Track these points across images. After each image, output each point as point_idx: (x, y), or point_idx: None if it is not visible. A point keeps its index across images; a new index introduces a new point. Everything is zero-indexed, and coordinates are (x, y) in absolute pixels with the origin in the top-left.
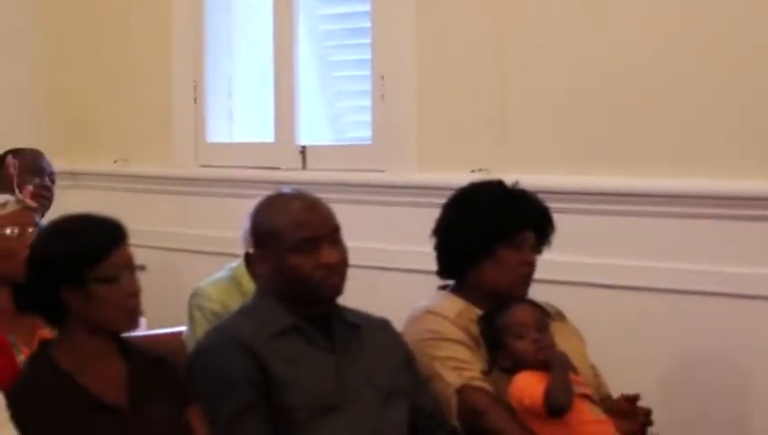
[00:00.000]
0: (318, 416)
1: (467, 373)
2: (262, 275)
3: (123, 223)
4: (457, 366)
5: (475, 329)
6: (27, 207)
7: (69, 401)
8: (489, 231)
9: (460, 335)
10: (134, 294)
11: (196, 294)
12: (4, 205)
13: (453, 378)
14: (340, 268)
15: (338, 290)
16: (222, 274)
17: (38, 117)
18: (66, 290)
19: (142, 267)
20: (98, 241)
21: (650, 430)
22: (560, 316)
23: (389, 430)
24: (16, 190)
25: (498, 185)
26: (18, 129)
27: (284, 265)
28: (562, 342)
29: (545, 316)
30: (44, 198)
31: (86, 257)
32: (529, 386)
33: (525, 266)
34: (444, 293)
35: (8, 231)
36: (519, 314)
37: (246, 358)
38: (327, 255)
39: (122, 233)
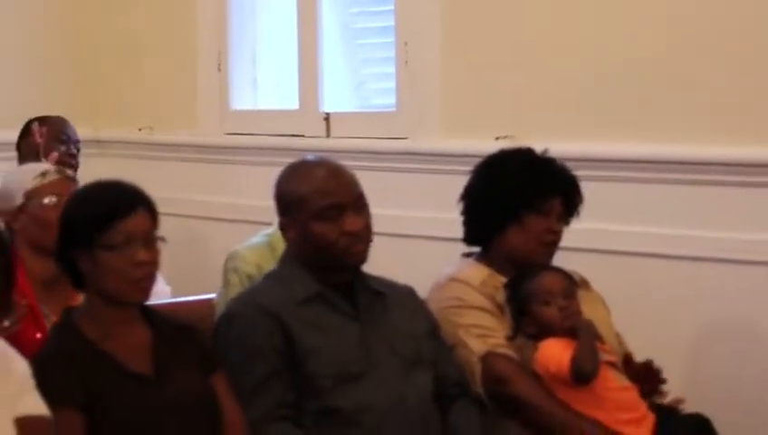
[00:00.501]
0: (342, 384)
1: (491, 340)
2: (288, 241)
3: (144, 192)
4: (482, 334)
5: (499, 296)
6: (67, 178)
7: (94, 368)
8: (515, 196)
9: (484, 303)
10: (140, 264)
11: (232, 257)
12: (44, 174)
13: (477, 345)
14: (364, 236)
15: (362, 258)
16: (258, 238)
17: (63, 85)
18: (77, 254)
19: (161, 239)
20: (107, 207)
21: (662, 387)
22: (584, 284)
23: (414, 397)
24: (42, 158)
25: (527, 152)
26: (43, 97)
27: (309, 233)
28: (587, 309)
29: (572, 283)
30: (70, 166)
31: (94, 222)
32: (555, 353)
33: (550, 234)
34: (468, 260)
35: (46, 200)
36: (546, 280)
37: (271, 326)
38: (351, 222)
39: (134, 202)
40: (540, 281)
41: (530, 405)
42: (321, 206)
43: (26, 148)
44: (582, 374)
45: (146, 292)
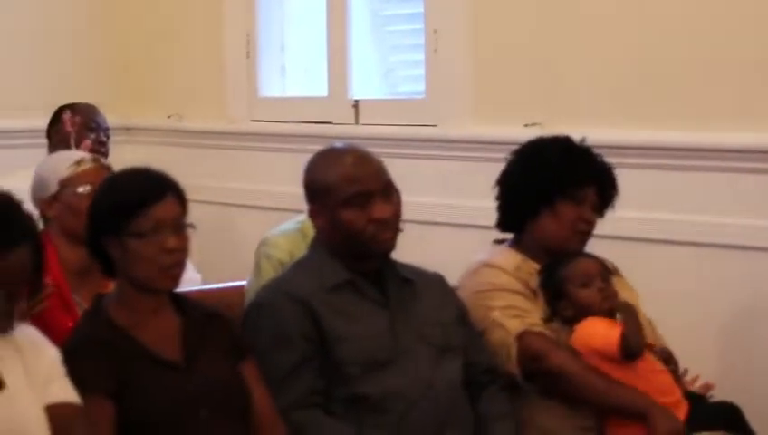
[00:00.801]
0: (371, 371)
1: (528, 319)
2: (317, 229)
3: (172, 179)
4: (518, 314)
5: (533, 282)
6: (103, 166)
7: (124, 355)
8: (551, 183)
9: (518, 286)
10: (169, 251)
11: (264, 243)
12: (79, 163)
13: (514, 325)
14: (392, 223)
15: (390, 245)
16: (290, 225)
17: (92, 72)
18: (107, 241)
19: (191, 226)
20: (135, 194)
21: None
22: (615, 271)
23: (443, 385)
24: (73, 146)
25: (565, 140)
26: (72, 84)
27: (337, 220)
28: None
29: (607, 268)
30: (100, 153)
31: (123, 210)
32: (600, 330)
33: (583, 223)
34: (501, 247)
35: (80, 189)
36: (584, 263)
37: (301, 313)
38: (379, 209)
39: (163, 188)
40: (577, 264)
41: (568, 376)
42: (348, 193)
43: (57, 136)
44: (631, 350)
45: (175, 279)
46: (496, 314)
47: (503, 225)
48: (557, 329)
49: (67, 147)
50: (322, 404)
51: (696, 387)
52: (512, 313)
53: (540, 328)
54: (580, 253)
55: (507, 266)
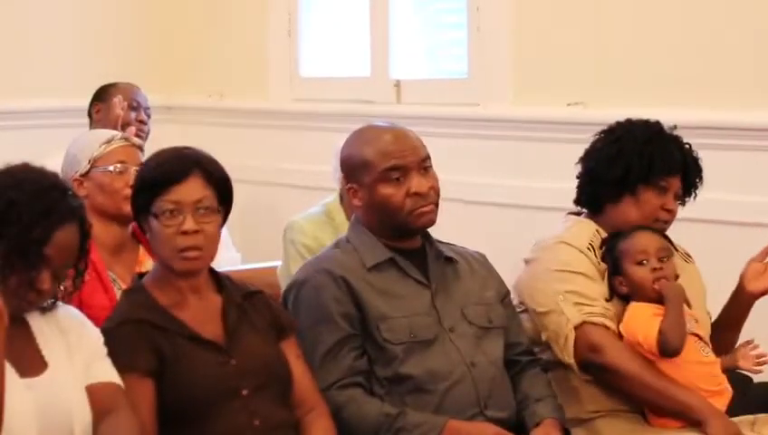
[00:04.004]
0: (413, 350)
1: (587, 308)
2: (355, 208)
3: (204, 159)
4: (579, 301)
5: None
6: (133, 145)
7: (165, 334)
8: (636, 168)
9: (589, 268)
10: (184, 233)
11: (289, 228)
12: (110, 141)
13: (573, 313)
14: (430, 197)
15: (429, 219)
16: (316, 208)
17: (134, 51)
18: (141, 220)
19: (212, 209)
20: (159, 174)
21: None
22: (686, 257)
23: (485, 364)
24: (119, 129)
25: (655, 125)
26: (114, 63)
27: (375, 196)
28: (684, 282)
29: (668, 246)
30: (141, 132)
31: (148, 189)
32: (643, 323)
33: (664, 212)
34: (576, 218)
35: (111, 168)
36: (642, 239)
37: (342, 291)
38: (417, 184)
39: (187, 169)
40: (635, 239)
41: (624, 374)
42: (385, 168)
43: (99, 115)
44: (669, 349)
45: (190, 261)
46: (560, 299)
47: (581, 201)
48: (615, 306)
49: (111, 128)
50: (363, 384)
51: (754, 354)
52: (573, 299)
53: (600, 318)
54: (643, 227)
55: (580, 242)
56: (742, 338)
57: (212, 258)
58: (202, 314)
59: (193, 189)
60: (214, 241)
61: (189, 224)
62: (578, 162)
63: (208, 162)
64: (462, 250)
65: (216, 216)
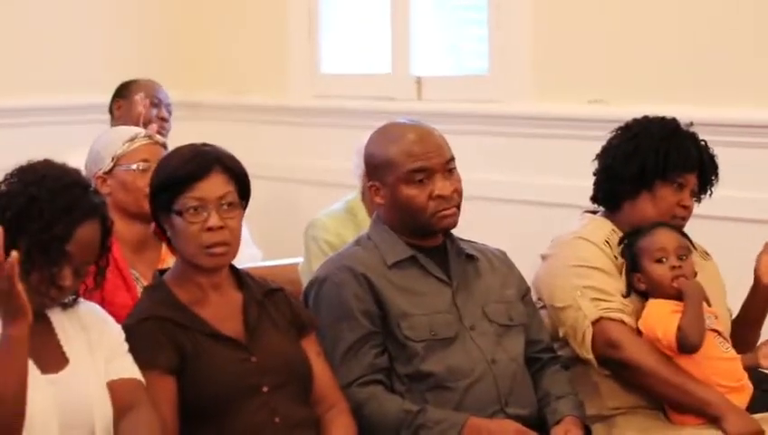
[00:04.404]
0: (434, 348)
1: (605, 304)
2: (377, 206)
3: (223, 155)
4: (597, 297)
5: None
6: (157, 143)
7: (186, 331)
8: (652, 165)
9: (607, 264)
10: (209, 229)
11: (312, 226)
12: (133, 139)
13: (590, 310)
14: (453, 200)
15: (451, 222)
16: (338, 206)
17: (154, 48)
18: (161, 218)
19: (235, 204)
20: (180, 172)
21: None
22: (705, 255)
23: (506, 361)
24: (141, 127)
25: (672, 122)
26: (135, 60)
27: (398, 196)
28: (703, 279)
29: (687, 244)
30: (162, 129)
31: (168, 188)
32: (662, 319)
33: (681, 209)
34: (592, 217)
35: (134, 166)
36: (661, 237)
37: (363, 289)
38: (440, 186)
39: (207, 166)
40: (654, 237)
41: (643, 370)
42: (409, 169)
43: (120, 112)
44: (688, 346)
45: (217, 257)
46: (577, 294)
47: (598, 199)
48: (633, 301)
49: (132, 125)
50: (384, 381)
51: None
52: (591, 294)
53: (617, 314)
54: (662, 223)
55: (598, 239)
56: (763, 336)
57: (236, 253)
58: (223, 311)
59: (216, 185)
60: (238, 236)
61: (214, 220)
62: (595, 159)
63: (228, 158)
64: (483, 247)
65: (238, 211)
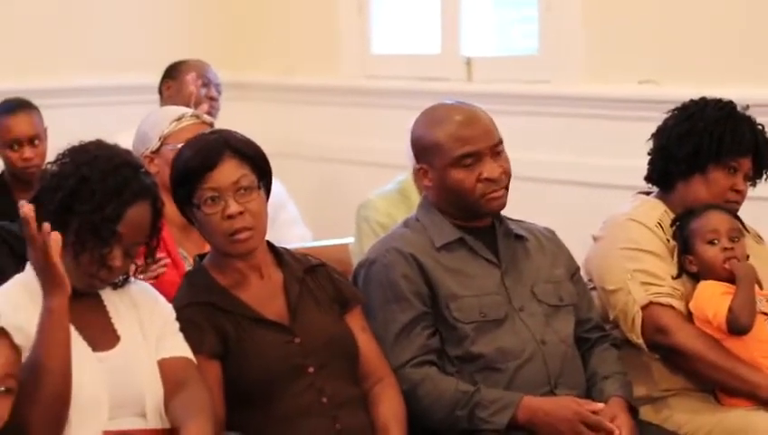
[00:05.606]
0: (483, 329)
1: (654, 289)
2: (425, 188)
3: (231, 139)
4: (646, 281)
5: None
6: (204, 123)
7: (227, 316)
8: (705, 147)
9: (659, 246)
10: (229, 217)
11: (364, 206)
12: (180, 119)
13: (640, 294)
14: (502, 182)
15: (500, 204)
16: (390, 186)
17: (204, 28)
18: (186, 212)
19: (252, 187)
20: (190, 167)
21: None
22: (758, 238)
23: (555, 342)
24: (192, 107)
25: (728, 105)
26: (185, 40)
27: (446, 180)
28: (756, 263)
29: (740, 226)
30: (212, 108)
31: (183, 184)
32: (713, 299)
33: (734, 193)
34: (645, 198)
35: (180, 145)
36: (714, 219)
37: (412, 270)
38: (489, 169)
39: (216, 156)
40: (706, 219)
41: (693, 356)
42: (458, 153)
43: (175, 94)
44: (738, 327)
45: (242, 243)
46: (628, 278)
47: (652, 178)
48: (684, 282)
49: (183, 105)
50: (437, 362)
51: None
52: (641, 278)
53: (667, 298)
54: (714, 205)
55: (650, 221)
56: None
57: (263, 234)
58: (264, 293)
59: (228, 172)
60: (261, 218)
61: (233, 207)
62: (649, 139)
63: (237, 141)
64: (532, 226)
65: (257, 192)
